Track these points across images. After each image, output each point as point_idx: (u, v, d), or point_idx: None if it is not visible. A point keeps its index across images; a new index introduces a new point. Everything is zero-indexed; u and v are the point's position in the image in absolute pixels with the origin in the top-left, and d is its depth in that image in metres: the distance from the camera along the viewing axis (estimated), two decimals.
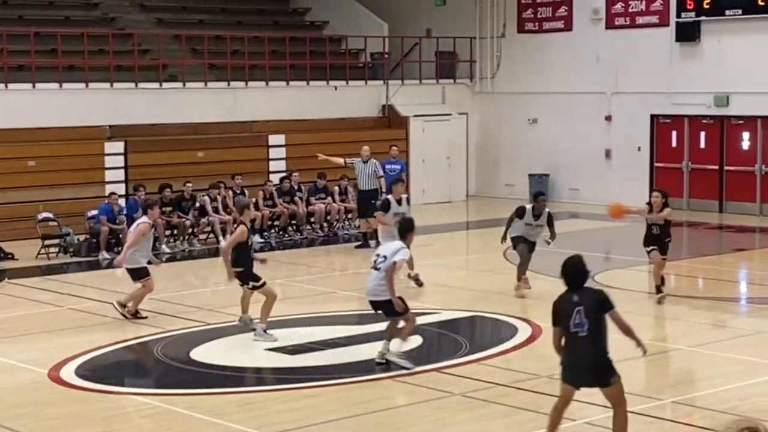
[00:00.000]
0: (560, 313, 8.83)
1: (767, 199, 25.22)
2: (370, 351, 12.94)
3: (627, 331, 8.98)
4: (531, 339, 13.81)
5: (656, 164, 27.06)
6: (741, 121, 25.70)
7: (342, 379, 12.04)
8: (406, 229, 12.50)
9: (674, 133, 26.79)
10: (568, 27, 28.47)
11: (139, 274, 15.04)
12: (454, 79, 30.32)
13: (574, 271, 8.86)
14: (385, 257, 12.17)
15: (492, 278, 18.81)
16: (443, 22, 30.46)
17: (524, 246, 16.49)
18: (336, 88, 27.95)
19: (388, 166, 23.73)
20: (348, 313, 15.77)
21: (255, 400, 11.39)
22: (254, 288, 13.90)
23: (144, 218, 15.53)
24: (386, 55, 29.67)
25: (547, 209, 16.72)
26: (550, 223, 16.64)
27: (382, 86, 28.72)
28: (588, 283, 8.93)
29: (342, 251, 22.06)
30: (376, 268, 12.18)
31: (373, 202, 20.34)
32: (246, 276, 13.89)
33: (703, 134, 26.36)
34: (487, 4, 29.84)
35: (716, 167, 26.01)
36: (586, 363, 8.80)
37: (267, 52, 27.53)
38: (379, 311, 12.35)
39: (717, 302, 16.27)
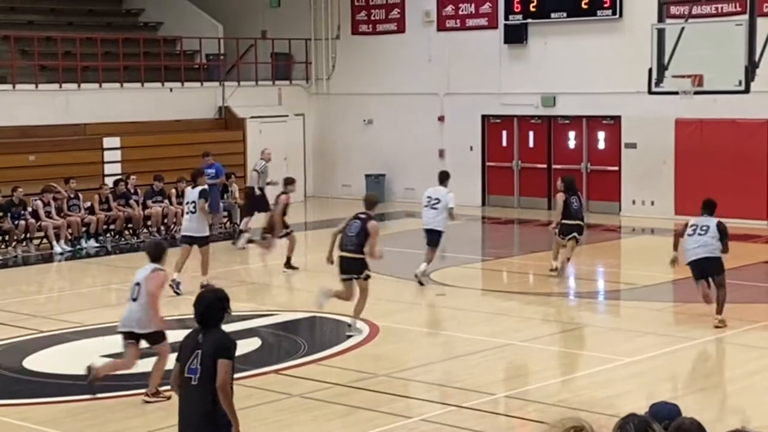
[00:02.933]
0: (182, 349, 7.67)
1: (592, 196, 26.01)
2: None
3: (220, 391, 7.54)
4: (368, 338, 14.05)
5: (488, 163, 27.71)
6: (567, 121, 26.54)
7: None
8: None
9: (504, 133, 27.47)
10: (401, 29, 28.88)
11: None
12: (290, 80, 30.42)
13: (204, 308, 7.62)
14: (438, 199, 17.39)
15: (330, 279, 19.00)
16: (278, 24, 30.52)
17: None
18: (171, 89, 27.72)
19: (207, 170, 23.68)
20: (186, 317, 15.71)
21: (90, 408, 11.27)
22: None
23: None
24: (222, 57, 29.57)
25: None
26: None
27: (218, 88, 28.61)
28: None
29: (179, 254, 21.87)
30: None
31: None
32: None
33: (531, 134, 27.10)
34: (321, 6, 30.02)
35: (544, 166, 26.78)
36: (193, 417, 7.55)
37: (100, 54, 27.10)
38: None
39: (546, 297, 16.80)
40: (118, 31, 29.25)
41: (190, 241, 17.10)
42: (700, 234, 14.11)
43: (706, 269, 14.17)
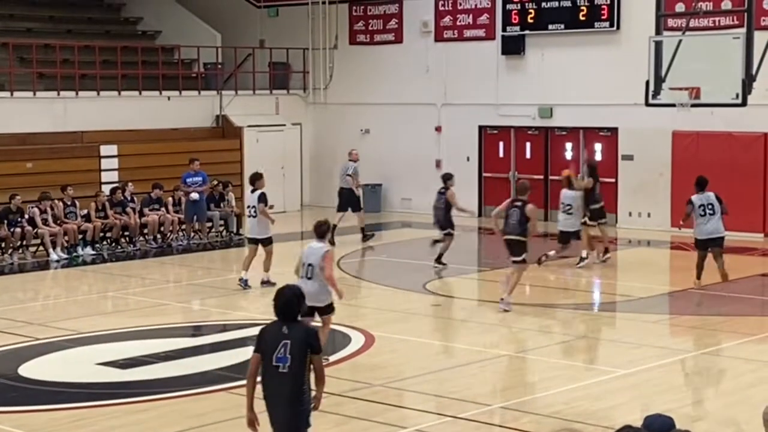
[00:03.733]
0: (262, 341, 8.31)
1: None
2: (202, 363, 12.96)
3: (319, 380, 8.43)
4: (364, 348, 14.05)
5: (485, 174, 27.73)
6: (564, 132, 26.57)
7: (175, 392, 12.02)
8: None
9: (501, 144, 27.51)
10: (398, 39, 28.93)
11: None
12: (287, 89, 30.45)
13: (283, 303, 8.27)
14: None
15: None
16: (276, 34, 30.57)
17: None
18: (169, 98, 27.74)
19: (189, 179, 23.71)
20: (181, 326, 15.74)
21: (86, 415, 11.28)
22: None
23: None
24: (220, 66, 29.60)
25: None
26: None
27: (216, 96, 28.63)
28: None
29: (176, 262, 21.94)
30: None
31: None
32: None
33: (528, 145, 27.14)
34: (320, 16, 30.07)
35: (541, 177, 26.79)
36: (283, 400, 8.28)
37: (98, 62, 27.13)
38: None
39: (542, 308, 16.80)
40: (116, 40, 29.29)
41: (256, 242, 18.14)
42: (710, 214, 17.07)
43: (711, 244, 17.18)
